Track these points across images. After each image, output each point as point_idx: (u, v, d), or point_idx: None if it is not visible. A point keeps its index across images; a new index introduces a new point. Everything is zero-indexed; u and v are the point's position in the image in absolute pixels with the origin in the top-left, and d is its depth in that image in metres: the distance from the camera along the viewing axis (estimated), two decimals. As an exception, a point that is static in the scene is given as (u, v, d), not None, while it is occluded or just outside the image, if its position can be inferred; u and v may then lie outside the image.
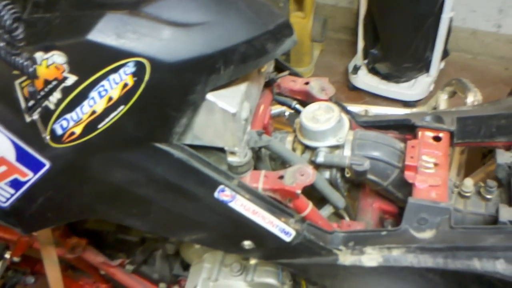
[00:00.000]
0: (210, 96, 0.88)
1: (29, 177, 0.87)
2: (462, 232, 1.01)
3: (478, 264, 0.96)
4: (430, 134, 1.19)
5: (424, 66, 3.00)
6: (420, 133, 1.19)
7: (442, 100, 1.73)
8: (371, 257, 1.04)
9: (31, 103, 0.77)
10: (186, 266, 1.49)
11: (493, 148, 1.23)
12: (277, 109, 1.53)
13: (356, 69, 3.16)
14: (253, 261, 1.26)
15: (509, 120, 1.20)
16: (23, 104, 0.77)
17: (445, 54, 3.00)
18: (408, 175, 1.09)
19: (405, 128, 1.24)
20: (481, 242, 0.98)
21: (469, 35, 3.33)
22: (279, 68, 1.24)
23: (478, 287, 0.99)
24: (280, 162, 1.16)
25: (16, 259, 1.50)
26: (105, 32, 0.76)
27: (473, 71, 3.26)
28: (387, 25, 2.87)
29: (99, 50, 0.76)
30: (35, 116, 0.78)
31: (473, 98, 1.59)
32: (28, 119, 0.78)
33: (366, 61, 3.15)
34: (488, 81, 3.14)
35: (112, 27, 0.76)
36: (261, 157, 1.15)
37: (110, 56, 0.77)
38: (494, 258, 0.96)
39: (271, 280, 1.23)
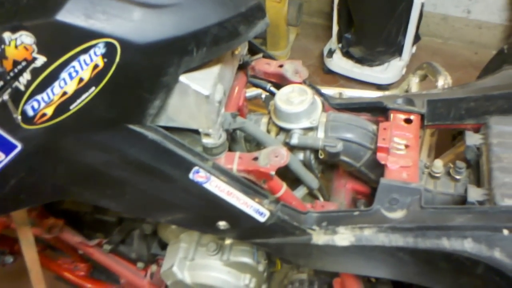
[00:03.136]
0: (183, 78, 0.88)
1: (1, 159, 0.86)
2: (432, 212, 1.03)
3: (447, 243, 0.97)
4: (401, 116, 1.21)
5: (396, 50, 3.03)
6: (392, 116, 1.21)
7: (414, 84, 1.76)
8: (343, 237, 1.05)
9: (0, 84, 0.76)
10: (163, 246, 1.49)
11: (462, 130, 1.25)
12: (254, 91, 1.53)
13: (331, 52, 3.18)
14: (228, 241, 1.27)
15: (477, 103, 1.22)
16: (-9, 84, 0.76)
17: (417, 38, 3.04)
18: (380, 156, 1.11)
19: (378, 111, 1.26)
20: (450, 222, 0.99)
21: (440, 20, 3.37)
22: (254, 50, 1.24)
23: (447, 265, 1.00)
24: (255, 144, 1.17)
25: (-7, 239, 1.49)
26: (74, 13, 0.74)
27: (443, 55, 3.30)
28: (360, 9, 2.88)
29: (68, 30, 0.75)
30: (5, 97, 0.77)
31: (443, 81, 1.62)
32: (-2, 100, 0.77)
33: (340, 45, 3.17)
34: (458, 65, 3.19)
35: (81, 8, 0.74)
36: (236, 139, 1.15)
37: (80, 37, 0.76)
38: (462, 237, 0.97)
39: (247, 259, 1.25)
